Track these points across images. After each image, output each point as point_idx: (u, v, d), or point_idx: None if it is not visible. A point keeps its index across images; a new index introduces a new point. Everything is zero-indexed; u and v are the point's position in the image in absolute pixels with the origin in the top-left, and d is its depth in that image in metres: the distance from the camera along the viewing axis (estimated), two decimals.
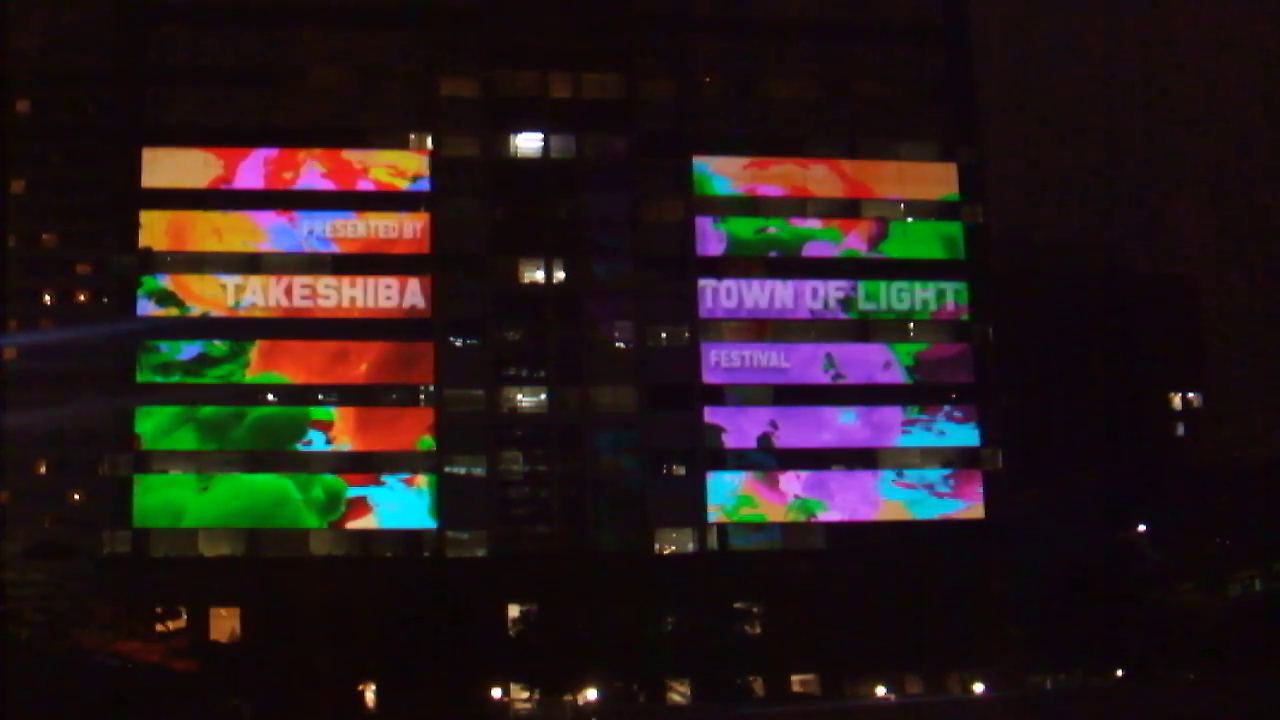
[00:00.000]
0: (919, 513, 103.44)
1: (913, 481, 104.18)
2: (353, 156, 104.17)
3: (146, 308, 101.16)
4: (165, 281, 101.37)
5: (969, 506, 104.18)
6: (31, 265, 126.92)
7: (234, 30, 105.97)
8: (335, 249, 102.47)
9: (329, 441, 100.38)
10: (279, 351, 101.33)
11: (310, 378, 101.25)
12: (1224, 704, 68.17)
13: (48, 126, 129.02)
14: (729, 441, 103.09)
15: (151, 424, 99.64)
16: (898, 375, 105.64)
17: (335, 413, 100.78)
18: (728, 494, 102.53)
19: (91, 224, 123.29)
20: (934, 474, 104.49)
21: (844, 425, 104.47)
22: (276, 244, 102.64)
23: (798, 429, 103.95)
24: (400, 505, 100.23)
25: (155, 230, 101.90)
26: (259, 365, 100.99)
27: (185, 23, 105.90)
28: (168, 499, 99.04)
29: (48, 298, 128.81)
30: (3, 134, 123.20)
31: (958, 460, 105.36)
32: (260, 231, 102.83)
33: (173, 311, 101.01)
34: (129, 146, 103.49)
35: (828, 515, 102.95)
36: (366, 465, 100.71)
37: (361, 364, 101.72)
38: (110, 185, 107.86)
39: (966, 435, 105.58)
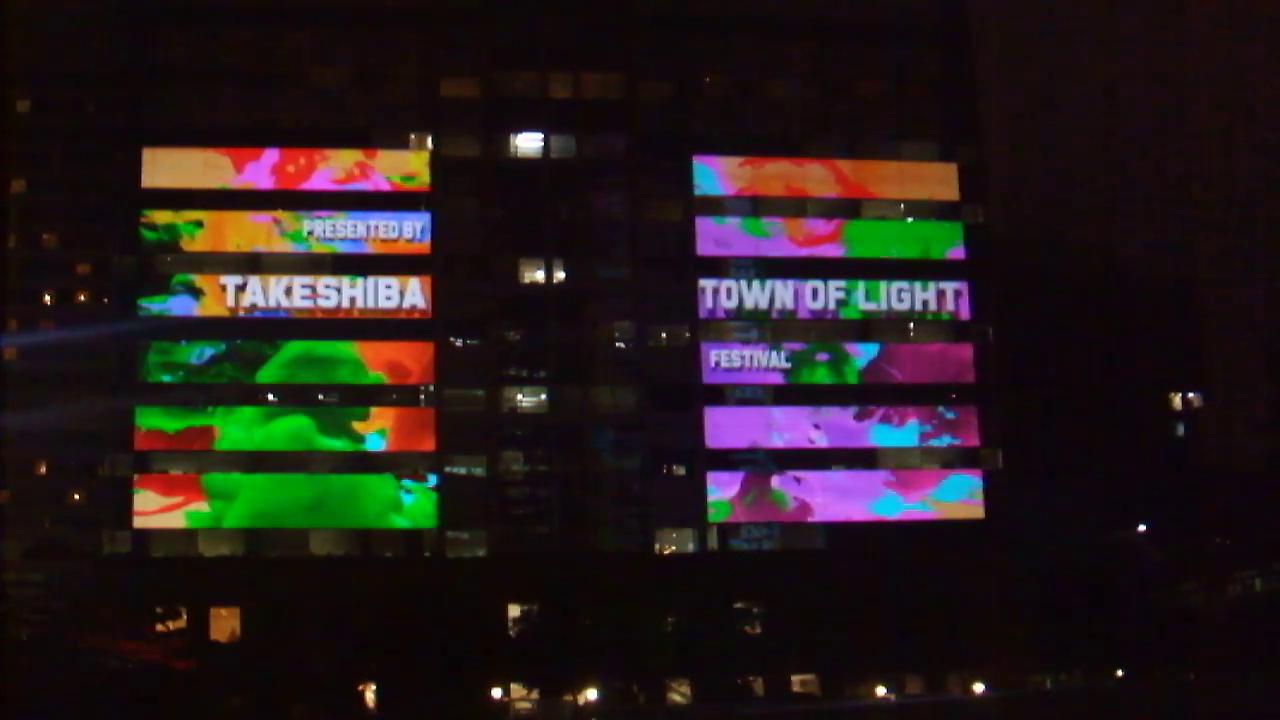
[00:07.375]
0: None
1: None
2: (353, 157, 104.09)
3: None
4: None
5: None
6: (31, 265, 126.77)
7: (234, 30, 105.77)
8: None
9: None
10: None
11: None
12: (1224, 704, 68.22)
13: (48, 126, 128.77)
14: (721, 443, 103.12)
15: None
16: (896, 375, 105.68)
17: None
18: (716, 496, 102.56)
19: (91, 224, 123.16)
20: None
21: (841, 425, 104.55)
22: (277, 244, 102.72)
23: (794, 429, 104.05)
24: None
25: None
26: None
27: (185, 23, 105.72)
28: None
29: (48, 298, 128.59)
30: (3, 134, 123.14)
31: (957, 460, 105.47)
32: (259, 231, 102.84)
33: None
34: (129, 146, 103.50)
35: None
36: (369, 465, 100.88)
37: (364, 364, 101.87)
38: (110, 185, 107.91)
39: (964, 435, 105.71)
